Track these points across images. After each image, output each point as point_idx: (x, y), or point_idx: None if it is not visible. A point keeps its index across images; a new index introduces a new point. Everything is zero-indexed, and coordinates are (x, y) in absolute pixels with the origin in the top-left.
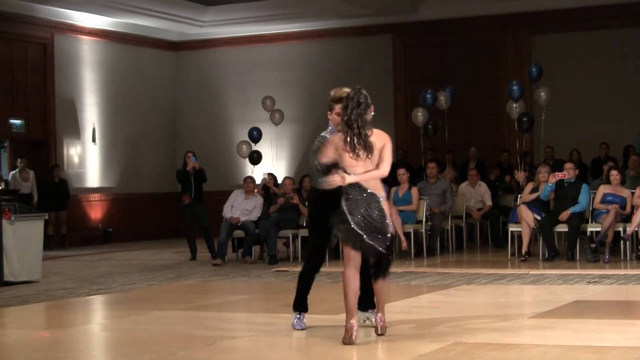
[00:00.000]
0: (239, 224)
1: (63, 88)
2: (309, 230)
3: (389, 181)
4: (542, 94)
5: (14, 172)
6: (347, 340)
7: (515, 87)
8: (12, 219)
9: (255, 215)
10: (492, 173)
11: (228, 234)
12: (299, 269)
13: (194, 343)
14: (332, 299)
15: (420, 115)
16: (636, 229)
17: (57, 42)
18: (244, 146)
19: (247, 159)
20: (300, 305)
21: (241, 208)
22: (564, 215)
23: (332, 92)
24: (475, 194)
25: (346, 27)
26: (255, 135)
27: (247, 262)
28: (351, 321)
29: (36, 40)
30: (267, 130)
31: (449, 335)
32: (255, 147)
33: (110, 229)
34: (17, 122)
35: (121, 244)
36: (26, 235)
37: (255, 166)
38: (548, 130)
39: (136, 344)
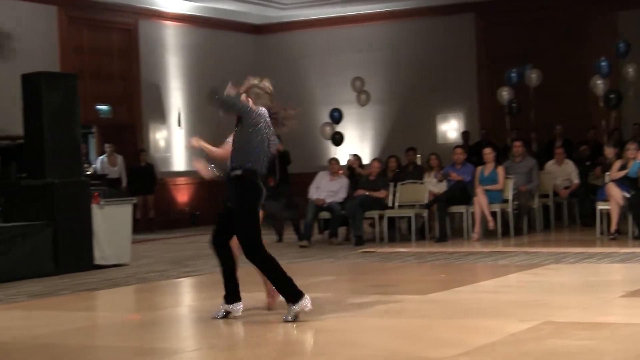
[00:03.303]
0: (325, 206)
1: (148, 73)
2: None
3: (474, 161)
4: (630, 70)
5: (102, 157)
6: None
7: (603, 64)
8: (102, 203)
9: (340, 196)
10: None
11: (314, 215)
12: (385, 249)
13: (283, 324)
14: (419, 279)
15: (505, 94)
16: None
17: (141, 27)
18: (327, 128)
19: (329, 141)
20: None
21: (327, 189)
22: None
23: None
24: (562, 172)
25: (428, 6)
26: (337, 117)
27: (333, 243)
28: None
29: (121, 27)
30: (350, 111)
31: (539, 314)
32: (337, 128)
33: (197, 212)
34: (104, 107)
35: (208, 227)
36: (115, 219)
37: (338, 147)
38: (636, 107)
39: (225, 326)
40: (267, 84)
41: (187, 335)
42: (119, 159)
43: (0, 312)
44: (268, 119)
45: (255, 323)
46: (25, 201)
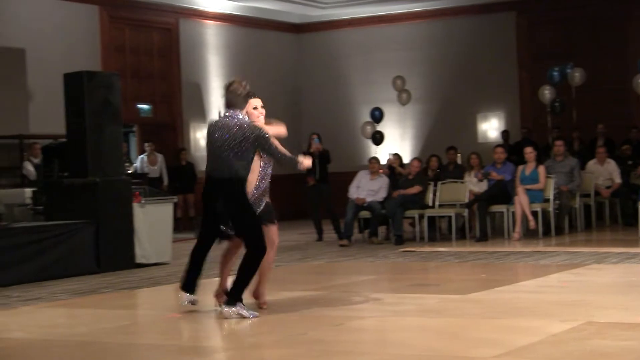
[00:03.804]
0: (365, 205)
1: (188, 72)
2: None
3: (515, 160)
4: None
5: (142, 156)
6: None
7: None
8: (143, 202)
9: (381, 195)
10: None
11: (354, 214)
12: (425, 249)
13: (323, 323)
14: (460, 279)
15: (547, 93)
16: None
17: (182, 27)
18: (368, 127)
19: (370, 140)
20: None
21: (367, 188)
22: None
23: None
24: (604, 172)
25: (469, 5)
26: (377, 116)
27: (373, 242)
28: None
29: (162, 26)
30: (391, 110)
31: (580, 314)
32: (378, 128)
33: None
34: (145, 106)
35: None
36: (156, 218)
37: (378, 146)
38: None
39: (266, 324)
40: (236, 86)
41: (227, 333)
42: (159, 157)
43: (42, 310)
44: (231, 122)
45: (296, 321)
46: (67, 200)
